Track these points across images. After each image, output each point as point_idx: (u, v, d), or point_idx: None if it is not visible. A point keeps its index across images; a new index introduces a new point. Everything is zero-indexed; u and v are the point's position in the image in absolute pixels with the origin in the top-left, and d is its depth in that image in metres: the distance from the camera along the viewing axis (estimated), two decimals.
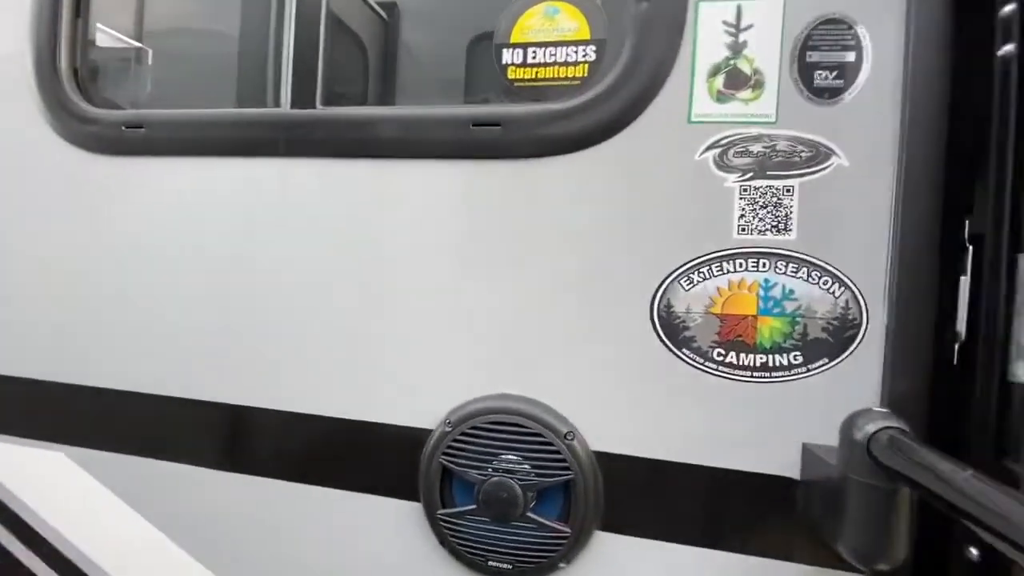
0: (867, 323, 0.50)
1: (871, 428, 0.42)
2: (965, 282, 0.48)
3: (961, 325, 0.48)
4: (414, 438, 0.58)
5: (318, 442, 0.62)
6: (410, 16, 1.26)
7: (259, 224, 0.63)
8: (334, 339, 0.61)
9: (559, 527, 0.53)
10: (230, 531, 0.64)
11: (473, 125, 0.57)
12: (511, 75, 0.57)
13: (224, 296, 0.64)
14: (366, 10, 1.20)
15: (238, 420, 0.64)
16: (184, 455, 0.65)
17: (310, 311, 0.61)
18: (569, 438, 0.54)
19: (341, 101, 0.88)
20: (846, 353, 0.50)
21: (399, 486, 0.59)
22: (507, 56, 0.57)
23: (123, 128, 0.67)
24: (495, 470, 0.54)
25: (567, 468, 0.53)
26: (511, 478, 0.54)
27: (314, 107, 0.61)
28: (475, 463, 0.55)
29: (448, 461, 0.56)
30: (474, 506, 0.54)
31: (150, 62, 0.80)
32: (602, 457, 0.54)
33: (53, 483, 0.70)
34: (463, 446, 0.55)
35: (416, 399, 0.58)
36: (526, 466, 0.54)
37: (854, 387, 0.50)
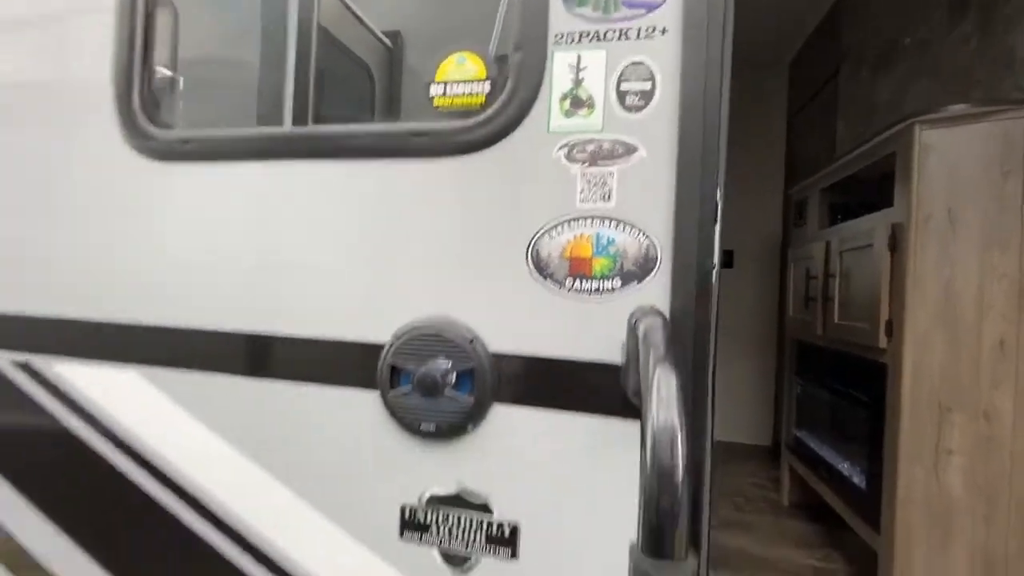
0: (660, 260, 0.75)
1: (637, 315, 0.67)
2: (718, 229, 0.73)
3: (716, 256, 0.73)
4: (377, 349, 0.85)
5: (328, 356, 0.88)
6: (412, 43, 1.53)
7: (267, 209, 0.91)
8: (335, 293, 0.88)
9: (467, 399, 0.80)
10: (259, 425, 0.91)
11: (411, 135, 0.84)
12: (436, 102, 0.85)
13: (249, 260, 0.92)
14: (371, 39, 1.48)
15: (271, 345, 0.91)
16: (230, 369, 0.92)
17: (313, 273, 0.88)
18: (473, 342, 0.80)
19: (350, 117, 1.16)
20: (647, 279, 0.75)
21: (369, 381, 0.85)
22: (433, 89, 0.85)
23: (177, 141, 0.96)
24: (425, 363, 0.81)
25: (471, 360, 0.80)
26: (435, 368, 0.80)
27: (307, 124, 0.89)
28: (412, 360, 0.82)
29: (395, 361, 0.82)
30: (411, 387, 0.81)
31: (194, 89, 1.09)
32: (496, 355, 0.81)
33: (128, 395, 0.98)
34: (404, 351, 0.82)
35: (378, 324, 0.85)
36: (445, 361, 0.81)
37: (652, 301, 0.75)
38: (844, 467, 2.28)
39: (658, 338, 0.58)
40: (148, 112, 1.00)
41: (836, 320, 2.31)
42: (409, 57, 1.53)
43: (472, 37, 0.89)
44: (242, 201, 0.93)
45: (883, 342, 1.90)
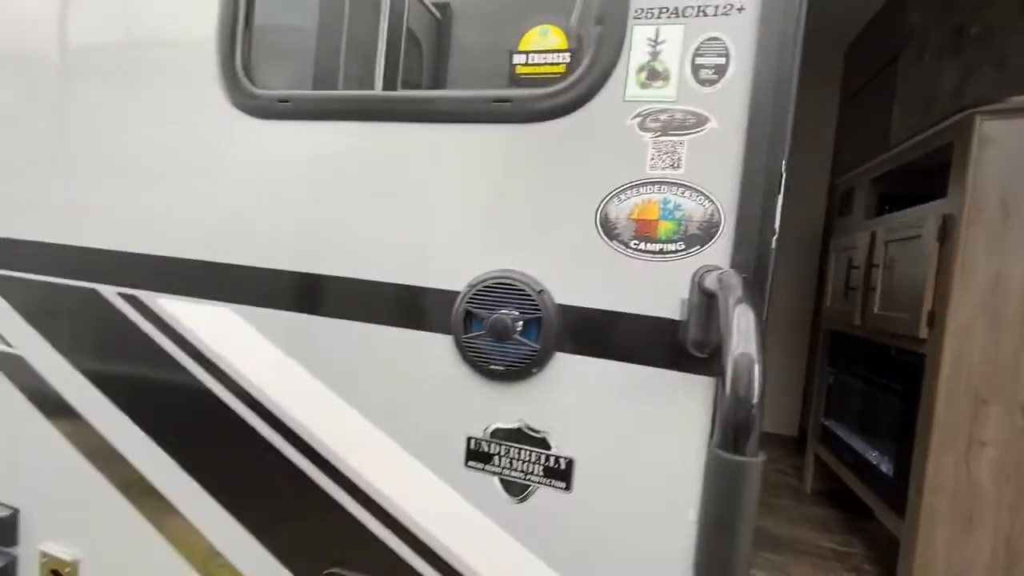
0: (723, 225, 0.81)
1: (703, 271, 0.73)
2: (780, 200, 0.78)
3: (776, 223, 0.79)
4: (452, 296, 0.94)
5: (407, 301, 0.97)
6: (460, 16, 1.59)
7: (356, 165, 0.99)
8: (416, 244, 0.96)
9: (533, 345, 0.88)
10: (342, 361, 1.02)
11: (493, 101, 0.91)
12: (518, 70, 0.91)
13: (338, 212, 1.01)
14: (422, 10, 1.55)
15: (356, 289, 1.00)
16: (317, 310, 1.03)
17: (397, 225, 0.97)
18: (541, 293, 0.88)
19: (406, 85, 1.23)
20: (710, 242, 0.81)
21: (444, 326, 0.94)
22: (516, 58, 0.91)
23: (276, 101, 1.05)
24: (497, 311, 0.89)
25: (539, 310, 0.87)
26: (506, 315, 0.88)
27: (395, 89, 0.97)
28: (485, 307, 0.90)
29: (468, 307, 0.91)
30: (483, 331, 0.90)
31: (287, 55, 1.18)
32: (562, 306, 0.88)
33: (224, 329, 1.10)
34: (478, 298, 0.90)
35: (454, 273, 0.94)
36: (515, 310, 0.89)
37: (715, 262, 0.81)
38: (872, 456, 2.31)
39: (735, 282, 0.64)
40: (248, 72, 1.09)
41: (876, 310, 2.31)
42: (456, 28, 1.59)
43: (521, 12, 0.95)
44: (333, 158, 1.02)
45: (923, 332, 1.91)
